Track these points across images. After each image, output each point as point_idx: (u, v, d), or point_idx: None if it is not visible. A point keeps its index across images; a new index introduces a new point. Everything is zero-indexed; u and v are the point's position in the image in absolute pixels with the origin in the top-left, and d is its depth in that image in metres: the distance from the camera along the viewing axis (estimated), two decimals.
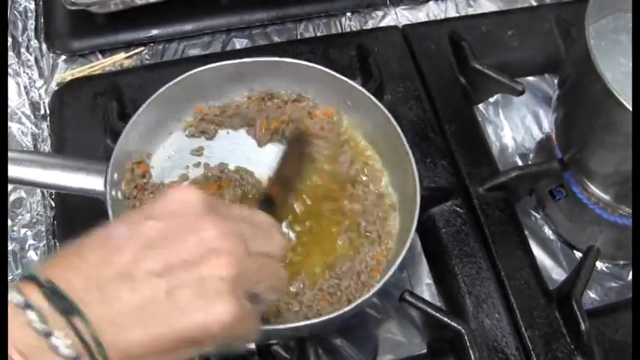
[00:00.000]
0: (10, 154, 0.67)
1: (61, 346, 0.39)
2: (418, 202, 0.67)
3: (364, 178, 0.74)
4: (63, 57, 0.88)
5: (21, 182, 0.69)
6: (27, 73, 0.86)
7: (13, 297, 0.40)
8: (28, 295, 0.40)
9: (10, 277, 0.72)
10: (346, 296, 0.67)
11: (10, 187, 0.77)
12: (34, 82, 0.86)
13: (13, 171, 0.65)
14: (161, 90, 0.72)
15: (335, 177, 0.74)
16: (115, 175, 0.68)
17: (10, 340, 0.38)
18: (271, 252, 0.50)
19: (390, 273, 0.63)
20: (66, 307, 0.39)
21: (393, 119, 0.72)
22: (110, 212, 0.65)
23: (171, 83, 0.72)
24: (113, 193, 0.67)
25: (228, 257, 0.44)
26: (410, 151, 0.70)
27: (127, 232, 0.44)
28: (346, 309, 0.61)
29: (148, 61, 0.90)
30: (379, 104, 0.73)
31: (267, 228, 0.52)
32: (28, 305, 0.39)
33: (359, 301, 0.62)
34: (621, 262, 0.81)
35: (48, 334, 0.39)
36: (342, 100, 0.77)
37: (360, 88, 0.75)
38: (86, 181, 0.67)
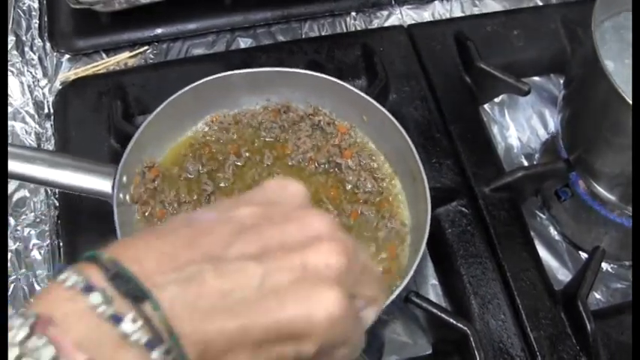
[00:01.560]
0: (18, 151, 0.66)
1: (133, 334, 0.32)
2: (428, 223, 0.67)
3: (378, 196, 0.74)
4: (67, 56, 0.88)
5: (28, 179, 0.68)
6: (31, 72, 0.86)
7: (69, 278, 0.33)
8: (88, 276, 0.33)
9: (13, 277, 0.72)
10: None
11: (13, 186, 0.76)
12: (38, 81, 0.86)
13: (20, 168, 0.65)
14: (175, 95, 0.72)
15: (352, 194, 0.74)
16: (125, 178, 0.68)
17: (64, 331, 0.31)
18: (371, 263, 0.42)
19: (409, 276, 0.64)
20: (132, 290, 0.33)
21: (409, 140, 0.71)
22: (116, 215, 0.64)
23: (185, 89, 0.72)
24: (121, 196, 0.67)
25: (338, 243, 0.37)
26: (424, 176, 0.69)
27: (218, 216, 0.38)
28: None
29: (152, 61, 0.89)
30: (396, 122, 0.73)
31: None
32: (89, 288, 0.32)
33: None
34: (627, 263, 0.80)
35: (117, 320, 0.32)
36: (359, 115, 0.76)
37: (378, 105, 0.74)
38: (93, 182, 0.67)
